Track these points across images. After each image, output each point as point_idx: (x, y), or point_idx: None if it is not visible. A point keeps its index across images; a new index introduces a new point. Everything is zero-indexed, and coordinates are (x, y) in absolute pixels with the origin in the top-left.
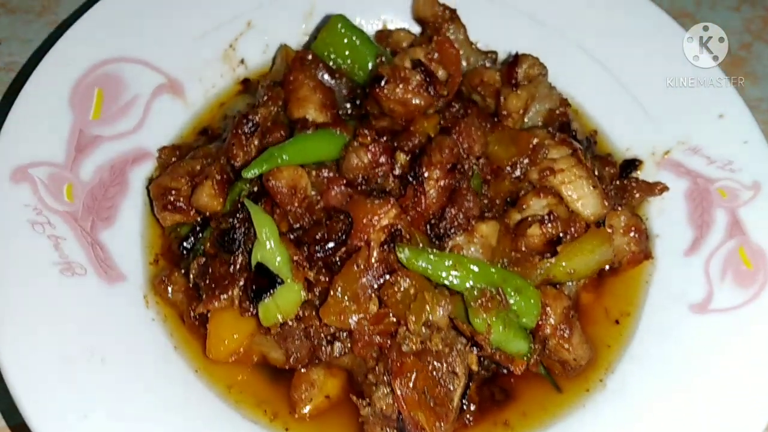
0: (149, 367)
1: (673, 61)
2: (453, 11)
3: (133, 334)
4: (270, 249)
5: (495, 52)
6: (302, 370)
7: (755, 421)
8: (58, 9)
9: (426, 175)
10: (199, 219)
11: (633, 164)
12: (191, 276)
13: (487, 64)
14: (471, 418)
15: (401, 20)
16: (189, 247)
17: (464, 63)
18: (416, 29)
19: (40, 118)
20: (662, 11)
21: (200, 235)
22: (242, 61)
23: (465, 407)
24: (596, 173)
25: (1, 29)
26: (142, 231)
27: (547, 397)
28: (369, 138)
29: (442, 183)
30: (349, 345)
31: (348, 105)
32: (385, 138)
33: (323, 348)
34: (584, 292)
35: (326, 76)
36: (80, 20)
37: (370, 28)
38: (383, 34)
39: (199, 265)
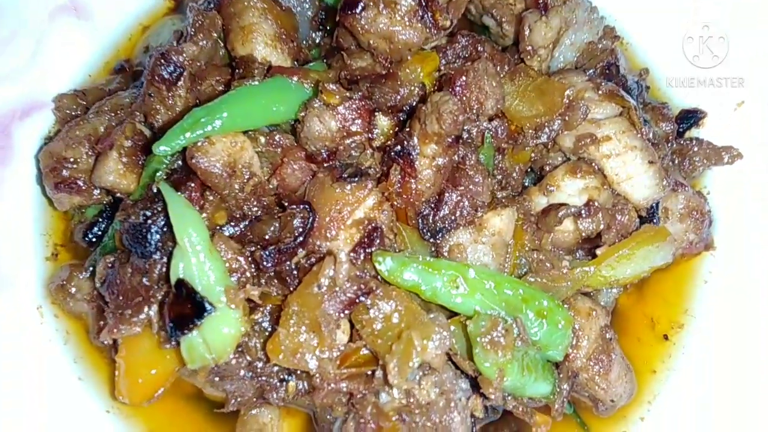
0: (45, 409)
1: None
2: None
3: (25, 366)
4: (196, 260)
5: None
6: (249, 412)
7: None
8: None
9: (418, 149)
10: (109, 199)
11: (695, 117)
12: (97, 282)
13: None
14: None
15: None
16: (96, 238)
17: None
18: None
19: None
20: None
21: (111, 222)
22: None
23: None
24: (651, 137)
25: None
26: (36, 213)
27: None
28: (337, 96)
29: (439, 161)
30: (307, 386)
31: (314, 33)
32: (360, 93)
33: (274, 388)
34: (623, 294)
35: None
36: None
37: None
38: None
39: (106, 267)
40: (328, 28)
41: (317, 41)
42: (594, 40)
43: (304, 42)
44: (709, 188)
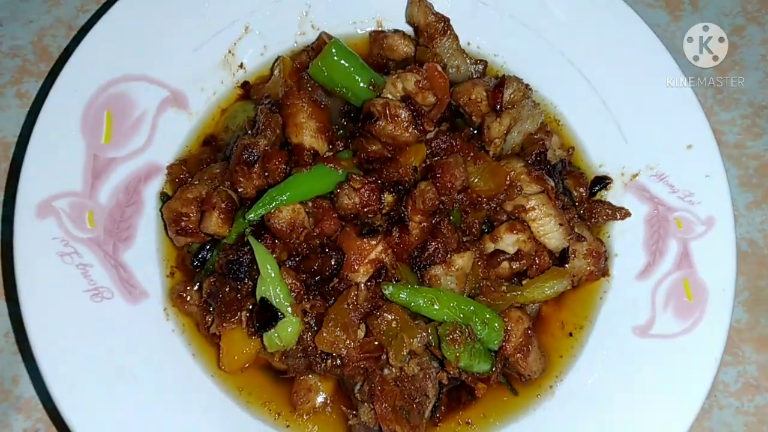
0: (173, 377)
1: (655, 86)
2: (446, 22)
3: (157, 348)
4: (272, 285)
5: (485, 62)
6: (301, 377)
7: None
8: None
9: (410, 219)
10: (208, 238)
11: (603, 182)
12: (203, 293)
13: (476, 74)
14: (440, 418)
15: (396, 20)
16: (200, 263)
17: (454, 71)
18: (410, 28)
19: (55, 150)
20: (656, 37)
21: (210, 253)
22: (241, 65)
23: (435, 411)
24: (567, 197)
25: (0, 7)
26: (157, 246)
27: (504, 400)
28: (359, 183)
29: (424, 224)
30: (339, 362)
31: (342, 119)
32: (374, 177)
33: (318, 364)
34: (545, 304)
35: (323, 95)
36: (81, 45)
37: (365, 28)
38: (378, 36)
39: (210, 284)
40: (352, 115)
41: (344, 122)
42: (533, 130)
43: (336, 126)
44: (609, 233)
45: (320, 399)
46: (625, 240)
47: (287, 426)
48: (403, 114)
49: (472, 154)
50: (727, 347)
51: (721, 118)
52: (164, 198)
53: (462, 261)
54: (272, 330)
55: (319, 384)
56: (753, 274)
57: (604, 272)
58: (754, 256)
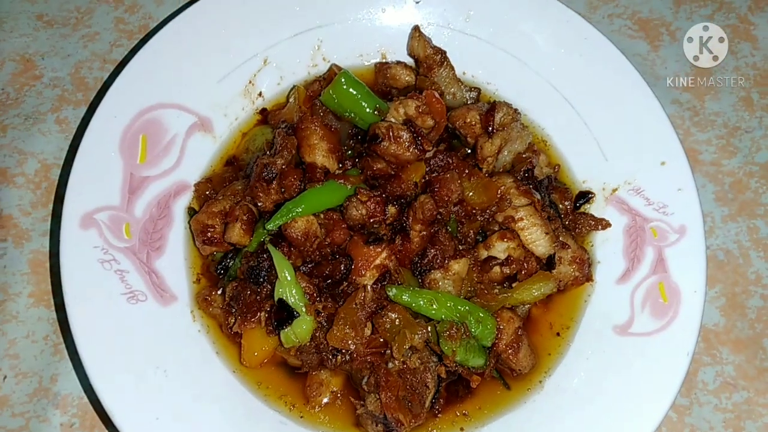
0: (199, 372)
1: (632, 110)
2: (443, 54)
3: (185, 346)
4: (288, 288)
5: (478, 89)
6: (313, 372)
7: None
8: (91, 21)
9: (411, 227)
10: (230, 248)
11: (586, 196)
12: (226, 297)
13: (470, 100)
14: (439, 409)
15: (399, 52)
16: (224, 270)
17: (451, 97)
18: (411, 60)
19: (97, 169)
20: (632, 67)
21: (232, 261)
22: (260, 94)
23: (435, 403)
24: (553, 210)
25: (42, 43)
26: (185, 254)
27: (498, 393)
28: (366, 196)
29: (423, 233)
30: (348, 357)
31: (351, 141)
32: (379, 192)
33: (330, 359)
34: (535, 307)
35: (333, 120)
36: (119, 77)
37: (371, 59)
38: (383, 66)
39: (233, 288)
40: (359, 137)
41: (352, 143)
42: (522, 150)
43: (345, 147)
44: (592, 242)
45: (331, 392)
46: (606, 248)
47: (301, 417)
48: (405, 136)
49: (466, 171)
50: (706, 349)
51: (698, 138)
52: (192, 212)
53: (458, 266)
54: (288, 328)
55: (330, 379)
56: (729, 282)
57: (588, 277)
58: (730, 265)
